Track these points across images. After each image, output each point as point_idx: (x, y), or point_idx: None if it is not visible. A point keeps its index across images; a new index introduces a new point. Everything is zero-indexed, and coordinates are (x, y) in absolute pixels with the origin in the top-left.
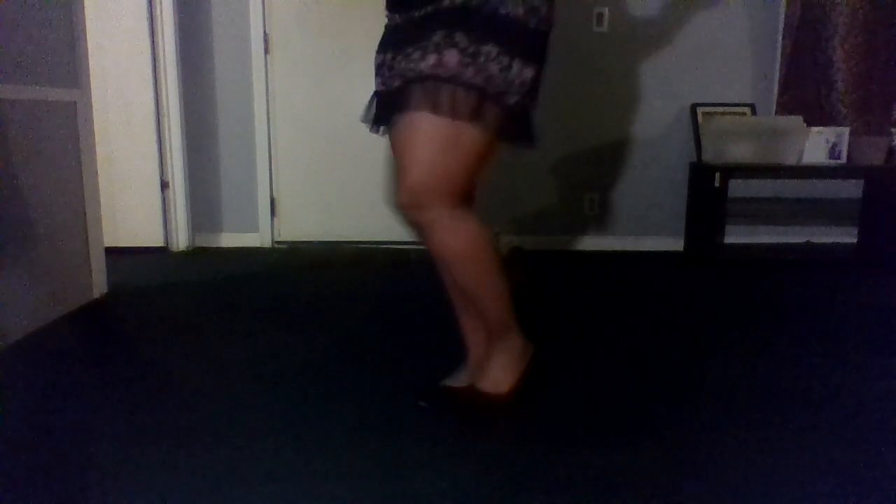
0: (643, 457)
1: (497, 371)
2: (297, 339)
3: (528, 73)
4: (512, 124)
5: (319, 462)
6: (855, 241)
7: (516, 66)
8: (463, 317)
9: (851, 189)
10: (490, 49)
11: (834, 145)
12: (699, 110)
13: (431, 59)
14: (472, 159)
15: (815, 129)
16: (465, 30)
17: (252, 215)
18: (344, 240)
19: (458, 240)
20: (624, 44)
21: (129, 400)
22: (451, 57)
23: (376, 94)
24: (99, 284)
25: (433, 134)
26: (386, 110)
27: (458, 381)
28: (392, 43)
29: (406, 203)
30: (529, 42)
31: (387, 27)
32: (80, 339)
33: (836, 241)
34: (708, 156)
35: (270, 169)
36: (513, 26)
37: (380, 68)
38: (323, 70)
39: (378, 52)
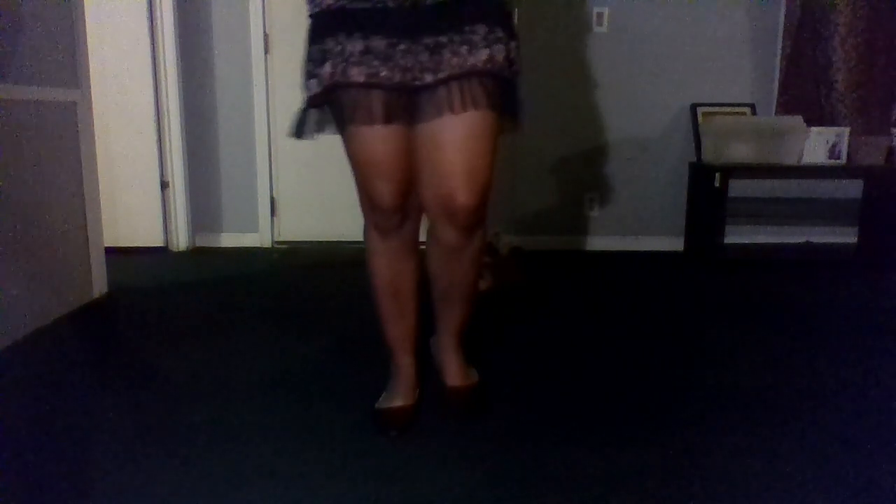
0: (643, 457)
1: (465, 365)
2: (297, 339)
3: None
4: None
5: (319, 462)
6: (855, 241)
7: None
8: (400, 327)
9: (851, 189)
10: (515, 42)
11: (834, 145)
12: (699, 110)
13: (483, 54)
14: None
15: (815, 129)
16: (500, 24)
17: (252, 215)
18: (344, 240)
19: (484, 234)
20: (624, 44)
21: (129, 400)
22: (499, 53)
23: (377, 86)
24: (99, 284)
25: (492, 131)
26: (401, 107)
27: (396, 400)
28: (397, 29)
29: (479, 204)
30: None
31: (364, 10)
32: (80, 339)
33: (836, 241)
34: (708, 156)
35: (270, 169)
36: (510, 12)
37: (367, 56)
38: None
39: (352, 36)
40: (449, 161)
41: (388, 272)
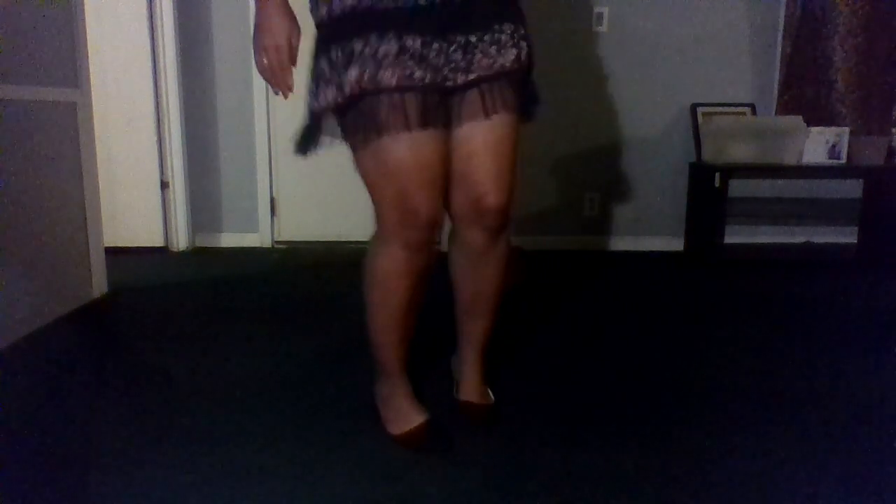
0: (642, 457)
1: (483, 384)
2: (296, 340)
3: None
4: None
5: (319, 462)
6: (855, 241)
7: None
8: (403, 348)
9: (851, 189)
10: (530, 38)
11: (834, 145)
12: (699, 110)
13: (511, 53)
14: None
15: (815, 129)
16: (522, 22)
17: (252, 215)
18: (344, 240)
19: (509, 240)
20: (624, 44)
21: (129, 400)
22: (524, 51)
23: (410, 89)
24: (99, 284)
25: (517, 131)
26: (435, 109)
27: (413, 418)
28: (429, 27)
29: (507, 203)
30: None
31: (395, 9)
32: (80, 339)
33: (836, 241)
34: (708, 156)
35: (270, 169)
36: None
37: (402, 57)
38: None
39: (385, 37)
40: (482, 165)
41: (409, 295)
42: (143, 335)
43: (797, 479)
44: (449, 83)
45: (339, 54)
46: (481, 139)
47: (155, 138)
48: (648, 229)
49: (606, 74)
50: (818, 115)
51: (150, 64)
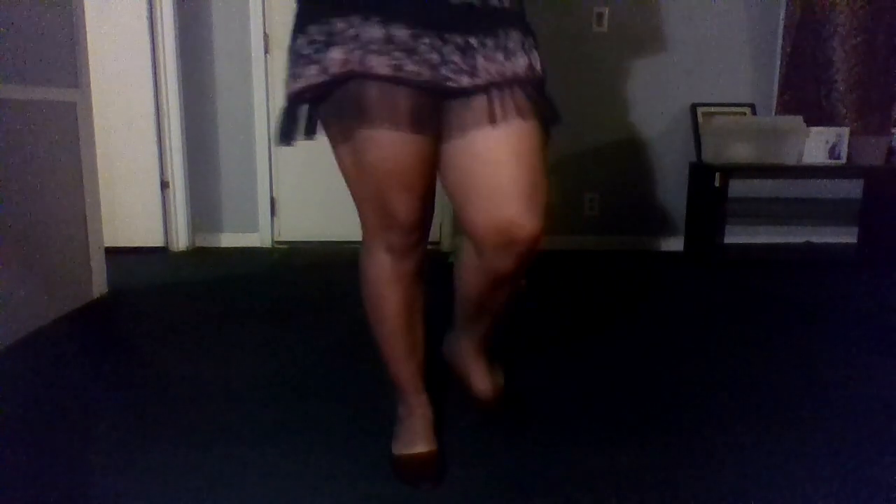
0: (642, 457)
1: (490, 366)
2: (296, 339)
3: None
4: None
5: (319, 462)
6: (855, 241)
7: None
8: (412, 364)
9: (851, 189)
10: (538, 48)
11: (834, 145)
12: (699, 110)
13: (523, 61)
14: None
15: (815, 129)
16: (531, 32)
17: (252, 215)
18: (344, 240)
19: None
20: (624, 44)
21: (129, 400)
22: (536, 61)
23: (403, 82)
24: (99, 284)
25: (540, 144)
26: (429, 110)
27: (418, 444)
28: (419, 20)
29: (542, 228)
30: None
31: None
32: (80, 339)
33: (836, 241)
34: (708, 156)
35: (270, 169)
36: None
37: (389, 45)
38: None
39: (369, 20)
40: (507, 180)
41: (403, 302)
42: (143, 335)
43: (798, 479)
44: (451, 84)
45: (318, 33)
46: (500, 150)
47: (155, 138)
48: (648, 229)
49: (606, 75)
50: (818, 115)
51: (150, 64)
